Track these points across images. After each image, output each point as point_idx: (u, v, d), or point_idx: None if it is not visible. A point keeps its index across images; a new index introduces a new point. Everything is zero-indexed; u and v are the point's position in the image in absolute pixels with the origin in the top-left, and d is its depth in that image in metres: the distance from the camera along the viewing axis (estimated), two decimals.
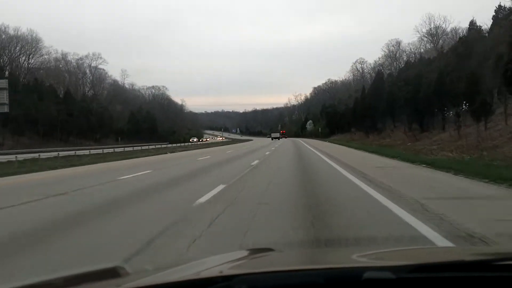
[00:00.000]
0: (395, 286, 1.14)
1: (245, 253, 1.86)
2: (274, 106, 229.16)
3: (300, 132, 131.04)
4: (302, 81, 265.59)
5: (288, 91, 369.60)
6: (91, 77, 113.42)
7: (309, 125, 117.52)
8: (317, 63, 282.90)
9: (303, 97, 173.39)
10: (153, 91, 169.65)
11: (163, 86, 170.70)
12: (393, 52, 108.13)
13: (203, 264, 1.56)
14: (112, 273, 1.47)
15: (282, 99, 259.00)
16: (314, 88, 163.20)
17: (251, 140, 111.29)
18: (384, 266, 1.28)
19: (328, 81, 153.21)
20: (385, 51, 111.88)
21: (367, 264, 1.42)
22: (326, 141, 55.10)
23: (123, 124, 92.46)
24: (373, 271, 1.17)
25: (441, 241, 4.54)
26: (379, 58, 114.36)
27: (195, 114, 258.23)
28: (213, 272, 1.28)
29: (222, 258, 1.68)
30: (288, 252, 2.78)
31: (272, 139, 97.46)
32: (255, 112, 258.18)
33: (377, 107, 50.06)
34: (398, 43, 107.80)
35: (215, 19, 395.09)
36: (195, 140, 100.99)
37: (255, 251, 1.89)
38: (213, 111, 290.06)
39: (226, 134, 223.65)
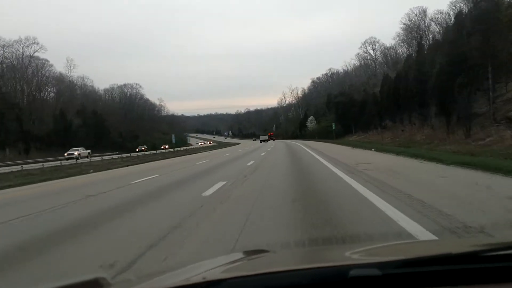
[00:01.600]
0: (383, 282, 1.13)
1: (239, 255, 1.77)
2: (269, 107, 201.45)
3: (299, 132, 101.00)
4: (298, 81, 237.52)
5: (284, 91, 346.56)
6: (24, 69, 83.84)
7: (311, 122, 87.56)
8: (314, 60, 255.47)
9: (300, 91, 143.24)
10: (125, 90, 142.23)
11: (136, 84, 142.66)
12: (416, 24, 78.84)
13: (191, 270, 1.48)
14: (94, 284, 1.38)
15: (277, 100, 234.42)
16: (313, 80, 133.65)
17: (238, 143, 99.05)
18: (370, 263, 1.24)
19: (329, 71, 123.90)
20: (405, 24, 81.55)
21: (354, 262, 1.37)
22: (372, 149, 23.55)
23: (47, 128, 62.91)
24: (359, 269, 1.15)
25: None
26: (398, 33, 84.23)
27: (186, 117, 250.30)
28: (198, 278, 1.24)
29: (214, 262, 1.60)
30: (282, 253, 2.44)
31: (261, 142, 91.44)
32: (248, 113, 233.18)
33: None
34: (423, 11, 77.78)
35: (207, 22, 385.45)
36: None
37: (249, 253, 1.78)
38: (205, 114, 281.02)
39: (211, 137, 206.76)
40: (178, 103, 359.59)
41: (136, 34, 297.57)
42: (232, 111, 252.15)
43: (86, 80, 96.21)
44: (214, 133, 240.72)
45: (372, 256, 1.52)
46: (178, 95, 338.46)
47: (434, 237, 3.95)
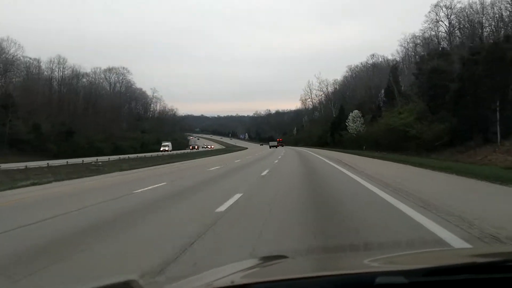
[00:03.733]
0: None
1: (259, 261, 1.71)
2: (292, 109, 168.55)
3: (330, 137, 63.42)
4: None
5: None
6: None
7: (354, 120, 48.99)
8: (343, 65, 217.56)
9: (331, 83, 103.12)
10: (109, 74, 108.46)
11: (123, 68, 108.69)
12: None
13: (215, 274, 1.43)
14: (125, 286, 1.41)
15: (300, 96, 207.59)
16: (350, 68, 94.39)
17: (245, 148, 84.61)
18: (396, 271, 1.20)
19: (372, 58, 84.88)
20: None
21: (379, 269, 1.32)
22: None
23: None
24: (385, 276, 1.11)
25: None
26: None
27: (205, 118, 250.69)
28: (225, 282, 1.21)
29: (235, 266, 1.54)
30: (302, 259, 2.39)
31: (270, 147, 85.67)
32: (268, 115, 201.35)
33: None
34: None
35: (234, 27, 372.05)
36: None
37: (268, 258, 1.72)
38: (225, 116, 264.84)
39: (218, 138, 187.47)
40: (199, 104, 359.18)
41: (160, 36, 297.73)
42: (253, 114, 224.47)
43: (11, 45, 60.34)
44: (230, 135, 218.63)
45: (396, 264, 1.46)
46: (200, 96, 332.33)
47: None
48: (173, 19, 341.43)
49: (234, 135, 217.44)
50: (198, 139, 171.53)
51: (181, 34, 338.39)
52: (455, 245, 4.03)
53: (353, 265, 1.59)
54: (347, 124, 49.57)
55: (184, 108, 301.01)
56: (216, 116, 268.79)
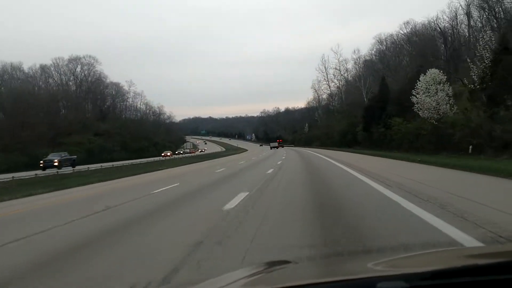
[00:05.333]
0: None
1: (262, 266, 1.66)
2: (303, 107, 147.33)
3: (365, 131, 38.21)
4: None
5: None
6: None
7: (430, 91, 22.80)
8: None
9: (352, 62, 75.32)
10: (74, 65, 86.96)
11: (89, 56, 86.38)
12: None
13: (217, 283, 1.43)
14: None
15: (312, 81, 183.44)
16: (378, 40, 66.80)
17: (244, 151, 77.51)
18: (397, 275, 1.18)
19: (406, 25, 57.58)
20: None
21: (380, 274, 1.29)
22: None
23: None
24: (386, 281, 1.08)
25: None
26: None
27: (213, 119, 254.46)
28: None
29: (237, 274, 1.51)
30: (304, 264, 2.34)
31: (271, 148, 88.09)
32: (277, 114, 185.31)
33: None
34: None
35: (244, 28, 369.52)
36: None
37: (271, 264, 1.69)
38: (234, 117, 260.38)
39: (217, 139, 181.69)
40: (207, 107, 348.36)
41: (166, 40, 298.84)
42: (260, 113, 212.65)
43: None
44: (236, 136, 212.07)
45: (397, 268, 1.43)
46: (208, 98, 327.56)
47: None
48: (176, 20, 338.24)
49: (241, 136, 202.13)
50: (206, 143, 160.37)
51: (185, 35, 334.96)
52: None
53: (356, 270, 1.52)
54: (414, 98, 23.39)
55: (191, 111, 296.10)
56: (224, 117, 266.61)
